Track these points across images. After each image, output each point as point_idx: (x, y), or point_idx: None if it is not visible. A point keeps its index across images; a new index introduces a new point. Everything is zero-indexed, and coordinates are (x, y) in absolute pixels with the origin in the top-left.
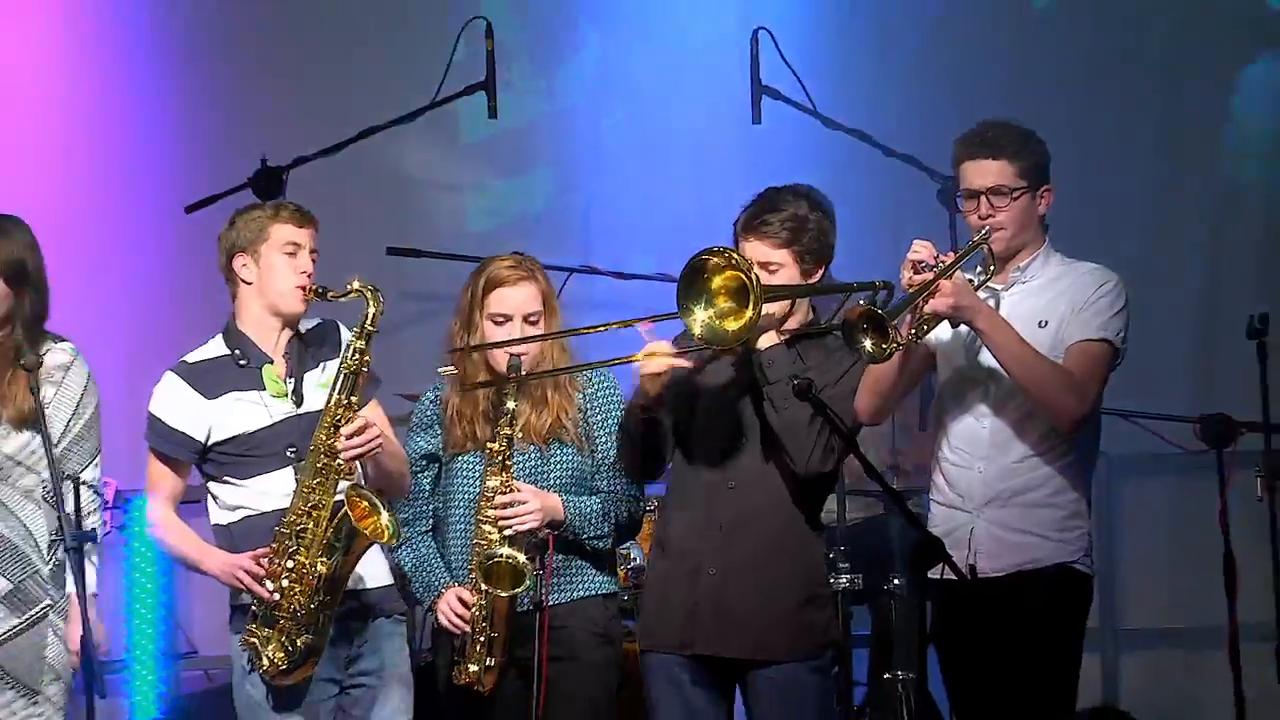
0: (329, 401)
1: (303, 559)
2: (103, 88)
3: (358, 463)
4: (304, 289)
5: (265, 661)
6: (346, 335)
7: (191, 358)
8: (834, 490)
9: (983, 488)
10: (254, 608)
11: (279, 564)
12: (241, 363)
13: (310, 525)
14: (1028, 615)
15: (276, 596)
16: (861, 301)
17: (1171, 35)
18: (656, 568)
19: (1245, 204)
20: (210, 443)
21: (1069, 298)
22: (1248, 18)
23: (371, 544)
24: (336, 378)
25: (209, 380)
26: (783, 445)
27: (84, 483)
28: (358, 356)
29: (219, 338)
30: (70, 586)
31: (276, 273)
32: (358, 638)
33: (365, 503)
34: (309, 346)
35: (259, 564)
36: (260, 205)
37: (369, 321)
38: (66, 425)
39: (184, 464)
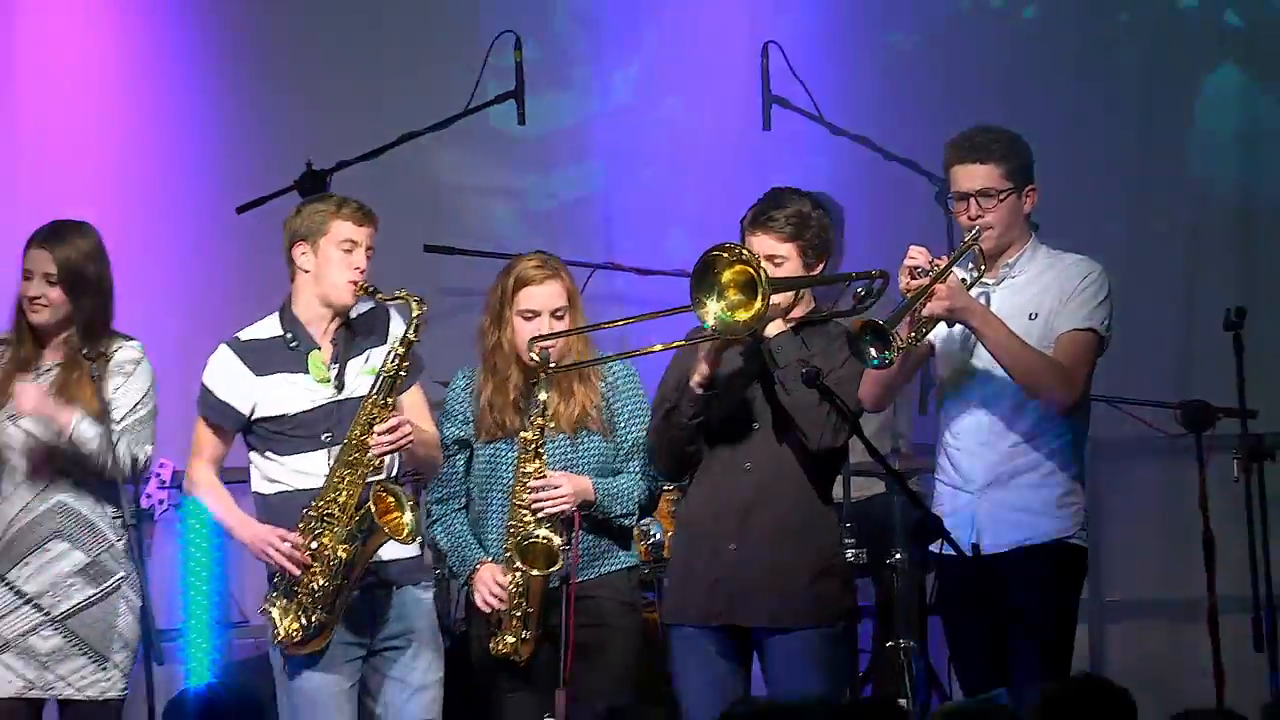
0: (366, 399)
1: (326, 542)
2: (159, 98)
3: (389, 455)
4: (355, 284)
5: (281, 631)
6: (396, 324)
7: (245, 334)
8: (842, 468)
9: (984, 471)
10: (275, 579)
11: (304, 544)
12: (292, 345)
13: (337, 512)
14: (1028, 587)
15: (298, 572)
16: (857, 292)
17: (1146, 46)
18: (679, 547)
19: (1220, 204)
20: (254, 417)
21: (1056, 289)
22: (1213, 32)
23: (387, 540)
24: (376, 379)
25: (259, 358)
26: (795, 424)
27: (137, 459)
28: (397, 362)
29: (274, 317)
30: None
31: (331, 266)
32: (384, 605)
33: (392, 499)
34: (357, 335)
35: (286, 541)
36: (326, 199)
37: (412, 330)
38: (132, 407)
39: (228, 432)
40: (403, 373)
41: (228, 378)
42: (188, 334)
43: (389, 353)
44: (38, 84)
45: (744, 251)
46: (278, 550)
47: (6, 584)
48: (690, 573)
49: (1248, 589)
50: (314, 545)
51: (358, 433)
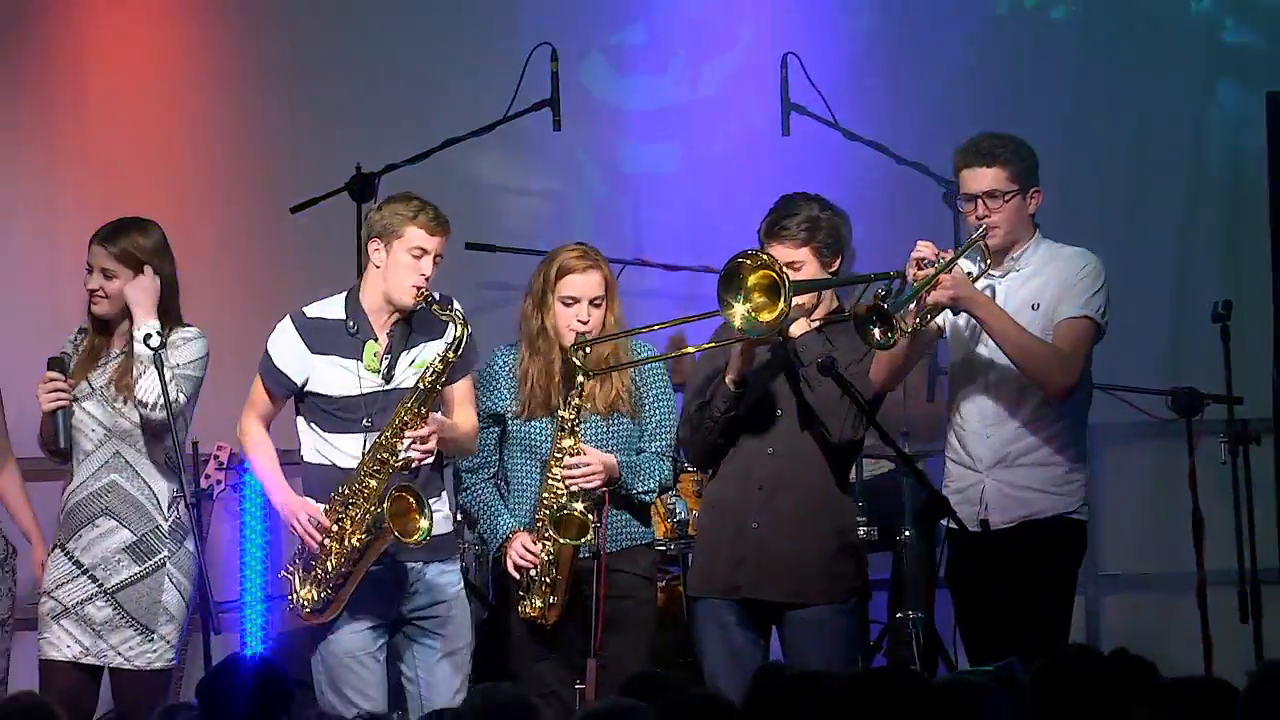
0: (402, 404)
1: (346, 526)
2: (221, 105)
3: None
4: (419, 290)
5: (296, 599)
6: (453, 327)
7: (310, 311)
8: (858, 454)
9: (990, 451)
10: (299, 547)
11: (328, 523)
12: (353, 332)
13: (359, 501)
14: (1031, 559)
15: (315, 547)
16: (879, 292)
17: (1145, 52)
18: (705, 524)
19: (1208, 203)
20: (306, 390)
21: (1057, 281)
22: (1207, 46)
23: (394, 539)
24: (413, 390)
25: (318, 337)
26: (818, 419)
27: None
28: (434, 377)
29: (340, 299)
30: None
31: (399, 269)
32: (412, 578)
33: (413, 500)
34: (413, 331)
35: (313, 519)
36: (408, 201)
37: (453, 350)
38: (186, 363)
39: (279, 397)
40: (439, 386)
41: (286, 349)
42: (244, 325)
43: (428, 367)
44: (106, 90)
45: (766, 257)
46: (302, 524)
47: (67, 554)
48: (716, 548)
49: (1234, 564)
50: (334, 526)
51: (389, 434)
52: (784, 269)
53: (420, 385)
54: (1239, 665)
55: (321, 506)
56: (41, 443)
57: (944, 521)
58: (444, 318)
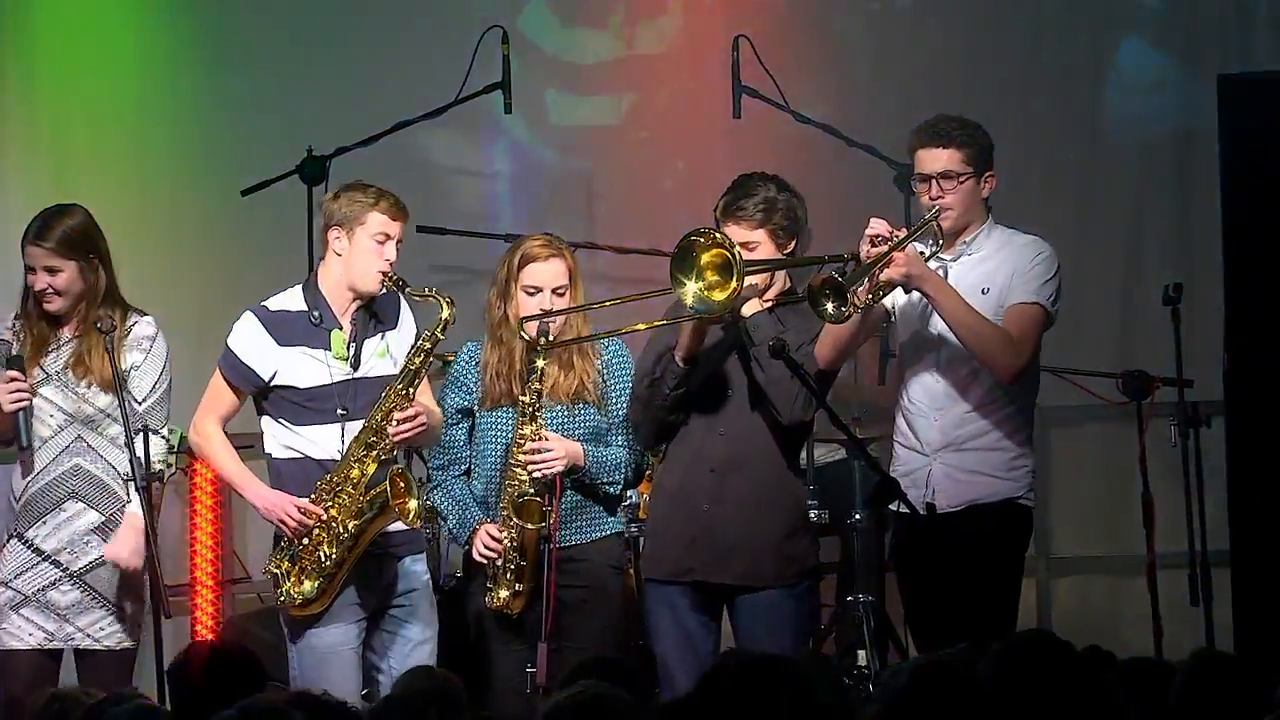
0: (389, 388)
1: (335, 514)
2: (170, 88)
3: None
4: (384, 275)
5: (282, 593)
6: (407, 310)
7: (271, 304)
8: (809, 437)
9: (938, 435)
10: (283, 542)
11: (316, 513)
12: (315, 322)
13: (350, 488)
14: (978, 543)
15: (305, 541)
16: (833, 272)
17: (1097, 35)
18: (657, 508)
19: (1159, 189)
20: (273, 384)
21: (1009, 267)
22: (1158, 28)
23: (394, 520)
24: (401, 372)
25: (283, 329)
26: (768, 399)
27: (160, 435)
28: (422, 357)
29: (298, 290)
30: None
31: (364, 255)
32: (388, 572)
33: (404, 484)
34: (373, 317)
35: (301, 511)
36: (365, 189)
37: (439, 329)
38: (152, 387)
39: (243, 394)
40: (427, 368)
41: (251, 344)
42: (197, 309)
43: (413, 347)
44: (56, 72)
45: (719, 236)
46: (294, 518)
47: (25, 542)
48: (667, 531)
49: (1184, 547)
50: (323, 517)
51: (379, 418)
52: (737, 248)
53: (408, 366)
54: (1189, 648)
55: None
56: None
57: (893, 505)
58: (424, 299)
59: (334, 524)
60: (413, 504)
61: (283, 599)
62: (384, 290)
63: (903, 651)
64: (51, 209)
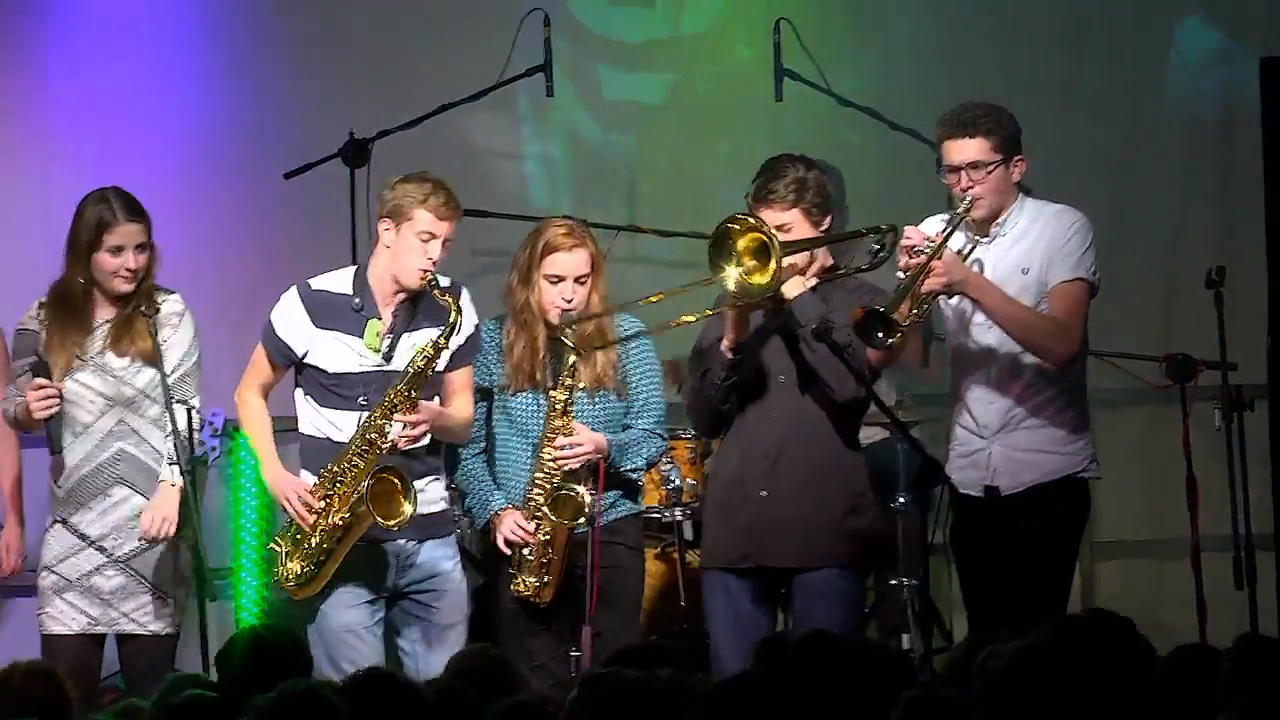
0: (393, 387)
1: (331, 504)
2: (212, 70)
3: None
4: (424, 272)
5: (281, 570)
6: (468, 310)
7: (316, 283)
8: (865, 412)
9: (996, 417)
10: (289, 520)
11: (317, 499)
12: (356, 308)
13: (348, 480)
14: (1040, 524)
15: (306, 526)
16: (874, 244)
17: (1142, 14)
18: (713, 494)
19: (1202, 169)
20: (305, 361)
21: (1045, 242)
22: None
23: (373, 523)
24: (404, 373)
25: (322, 310)
26: (820, 378)
27: (187, 403)
28: (426, 361)
29: (348, 273)
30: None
31: (407, 252)
32: (409, 554)
33: (397, 482)
34: (418, 313)
35: (303, 498)
36: (421, 182)
37: (443, 335)
38: (180, 361)
39: (280, 367)
40: (430, 371)
41: (288, 319)
42: (240, 292)
43: (420, 350)
44: (98, 58)
45: (754, 220)
46: (293, 504)
47: (70, 528)
48: (724, 518)
49: (1229, 530)
50: (321, 504)
51: (379, 415)
52: (772, 230)
53: (410, 368)
54: (1234, 631)
55: (311, 482)
56: (11, 420)
57: (939, 488)
58: (443, 303)
59: (329, 513)
60: (405, 508)
61: (277, 577)
62: (422, 289)
63: (946, 635)
64: (116, 189)
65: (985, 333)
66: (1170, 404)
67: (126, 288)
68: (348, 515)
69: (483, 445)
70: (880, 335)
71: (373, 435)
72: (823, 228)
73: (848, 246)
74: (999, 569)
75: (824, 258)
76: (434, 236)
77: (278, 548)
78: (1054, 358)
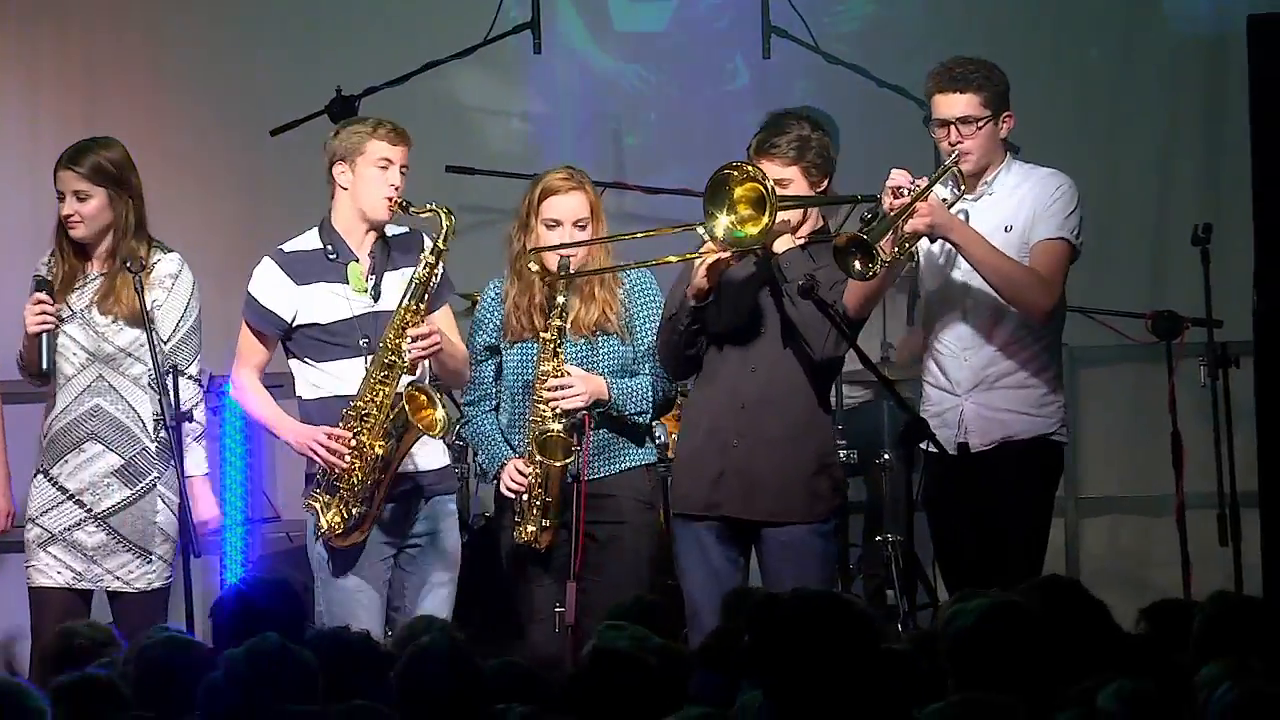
0: (399, 305)
1: (364, 439)
2: (199, 27)
3: (422, 360)
4: (391, 200)
5: (324, 524)
6: (429, 246)
7: (288, 247)
8: (839, 374)
9: (969, 374)
10: (318, 476)
11: (345, 440)
12: (331, 257)
13: (374, 411)
14: (1010, 481)
15: (341, 466)
16: (864, 215)
17: None
18: (686, 443)
19: (1189, 125)
20: (295, 324)
21: (1030, 202)
22: None
23: (421, 435)
24: (408, 285)
25: (301, 269)
26: (800, 335)
27: (188, 375)
28: (428, 269)
29: (314, 231)
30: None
31: (368, 184)
32: (414, 511)
33: (424, 397)
34: (393, 251)
35: (331, 438)
36: (363, 120)
37: (441, 239)
38: (176, 325)
39: (271, 339)
40: (434, 280)
41: (271, 287)
42: (227, 248)
43: (421, 262)
44: (87, 12)
45: (753, 169)
46: (322, 447)
47: (50, 479)
48: (696, 467)
49: (1214, 487)
50: (353, 442)
51: (392, 336)
52: (771, 182)
53: (415, 280)
54: (1218, 587)
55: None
56: (21, 365)
57: (923, 445)
58: (425, 214)
59: (364, 449)
60: (439, 414)
61: (322, 530)
62: (393, 216)
63: (931, 592)
64: (88, 139)
65: (964, 288)
66: (1156, 361)
67: (75, 233)
68: (386, 444)
69: (493, 403)
70: (857, 265)
71: (390, 359)
72: (820, 190)
73: (839, 212)
74: (972, 527)
75: (816, 219)
76: (391, 163)
77: (314, 503)
78: (1033, 310)
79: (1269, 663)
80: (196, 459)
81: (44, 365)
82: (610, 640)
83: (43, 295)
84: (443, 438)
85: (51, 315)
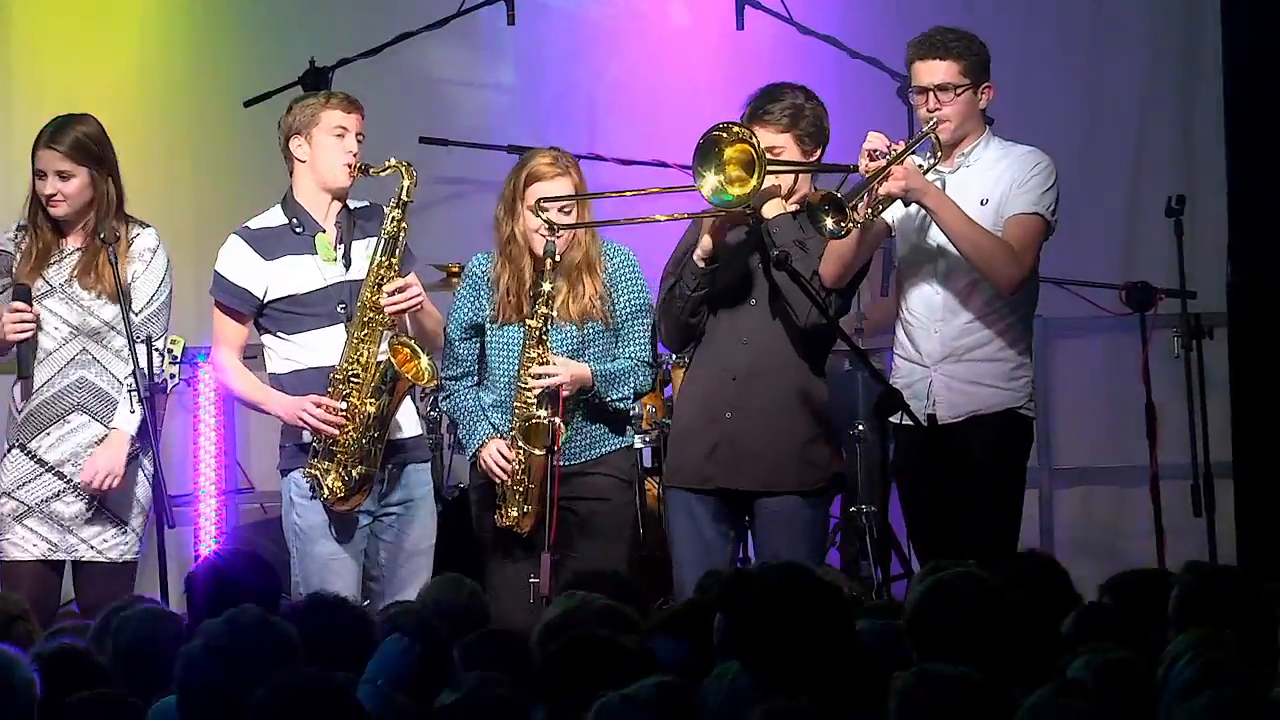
0: (372, 262)
1: (355, 401)
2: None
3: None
4: (350, 166)
5: (326, 491)
6: (394, 200)
7: (254, 224)
8: (834, 342)
9: (938, 346)
10: (314, 444)
11: (335, 405)
12: (298, 230)
13: (360, 371)
14: (979, 453)
15: (335, 433)
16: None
17: None
18: (681, 415)
19: (1163, 97)
20: (267, 299)
21: (1007, 178)
22: None
23: (413, 385)
24: (378, 242)
25: (268, 244)
26: (786, 301)
27: (158, 349)
28: (395, 223)
29: (277, 208)
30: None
31: (326, 152)
32: (392, 478)
33: (406, 350)
34: (358, 221)
35: (320, 406)
36: (314, 94)
37: (404, 193)
38: (150, 298)
39: (245, 316)
40: (402, 235)
41: (239, 263)
42: (199, 221)
43: (388, 215)
44: None
45: (744, 130)
46: (313, 415)
47: (28, 453)
48: (689, 439)
49: (1187, 458)
50: (343, 406)
51: (369, 294)
52: (759, 143)
53: (384, 233)
54: (1191, 558)
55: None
56: None
57: (894, 418)
58: (385, 172)
59: (356, 410)
60: (424, 362)
61: (325, 496)
62: (354, 181)
63: (905, 563)
64: (65, 116)
65: (936, 258)
66: (1130, 332)
67: (57, 211)
68: (377, 401)
69: (474, 379)
70: (829, 224)
71: (369, 316)
72: (813, 159)
73: (828, 182)
74: (941, 498)
75: (806, 187)
76: (346, 130)
77: (315, 471)
78: (1002, 282)
79: (1243, 633)
80: (126, 416)
81: (25, 370)
82: (560, 608)
83: (21, 305)
84: (432, 383)
85: (31, 323)
